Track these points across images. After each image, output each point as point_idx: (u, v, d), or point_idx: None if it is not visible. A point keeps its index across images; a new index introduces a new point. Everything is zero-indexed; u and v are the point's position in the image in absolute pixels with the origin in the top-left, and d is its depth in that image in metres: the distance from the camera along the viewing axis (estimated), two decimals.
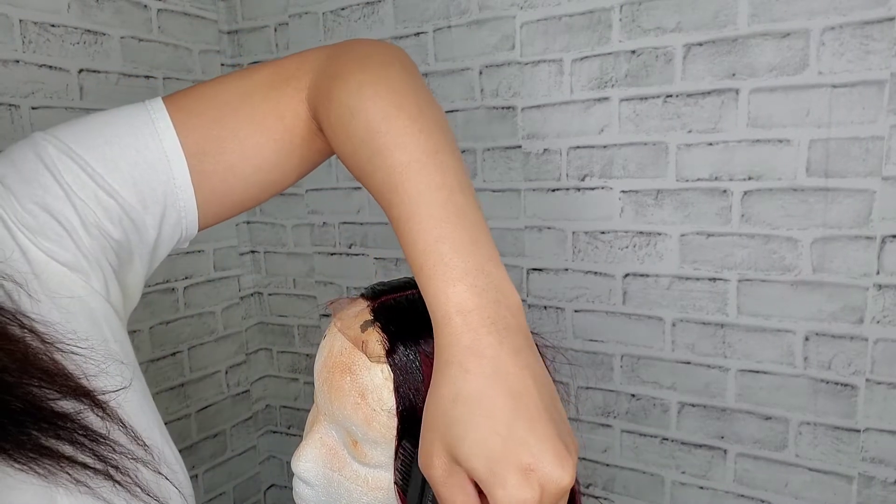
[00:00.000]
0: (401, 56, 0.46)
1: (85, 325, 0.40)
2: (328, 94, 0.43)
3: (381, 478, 0.46)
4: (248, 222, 1.57)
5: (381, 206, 0.40)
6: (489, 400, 0.32)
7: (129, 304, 0.46)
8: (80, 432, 0.34)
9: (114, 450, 0.36)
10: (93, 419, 0.36)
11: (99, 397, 0.36)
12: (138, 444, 0.38)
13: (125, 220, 0.42)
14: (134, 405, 0.40)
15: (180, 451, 1.47)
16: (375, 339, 0.45)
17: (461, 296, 0.34)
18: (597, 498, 1.22)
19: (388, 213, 0.39)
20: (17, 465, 0.32)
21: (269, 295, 1.58)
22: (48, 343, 0.36)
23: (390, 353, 0.44)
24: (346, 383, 0.45)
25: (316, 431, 0.48)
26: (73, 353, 0.37)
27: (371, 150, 0.40)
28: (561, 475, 0.31)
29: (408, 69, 0.44)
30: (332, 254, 1.46)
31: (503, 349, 0.33)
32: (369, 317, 0.47)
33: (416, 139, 0.39)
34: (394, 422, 0.44)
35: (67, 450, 0.34)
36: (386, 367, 0.44)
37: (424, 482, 0.38)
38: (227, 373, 1.53)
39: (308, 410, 1.59)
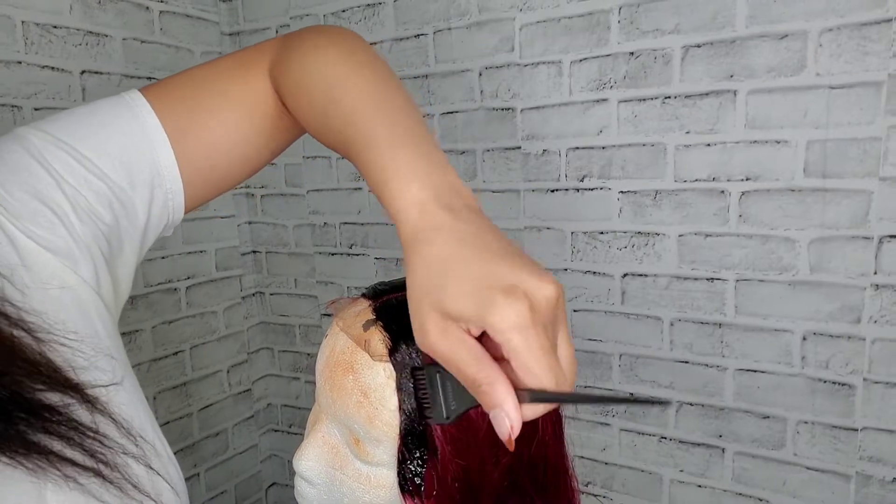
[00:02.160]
0: (353, 34, 0.49)
1: (76, 318, 0.40)
2: (286, 62, 0.46)
3: (384, 476, 0.47)
4: (250, 222, 1.58)
5: (341, 152, 0.43)
6: (458, 254, 0.33)
7: (119, 299, 0.47)
8: (69, 426, 0.35)
9: (103, 444, 0.36)
10: (81, 413, 0.36)
11: (88, 391, 0.37)
12: (129, 438, 0.38)
13: (115, 204, 0.43)
14: (124, 400, 0.40)
15: (182, 450, 1.49)
16: (378, 338, 0.45)
17: (416, 192, 0.36)
18: (595, 496, 1.22)
19: (348, 152, 0.41)
20: (4, 460, 0.32)
21: (271, 295, 1.59)
22: (35, 334, 0.36)
23: (392, 351, 0.44)
24: (349, 382, 0.45)
25: (318, 430, 0.49)
26: (62, 344, 0.37)
27: (326, 100, 0.42)
28: (543, 285, 0.32)
29: (359, 41, 0.47)
30: (332, 254, 1.46)
31: (460, 221, 0.35)
32: (371, 316, 0.47)
33: (366, 82, 0.42)
34: (396, 420, 0.44)
35: (56, 445, 0.34)
36: (388, 366, 0.45)
37: (438, 380, 0.38)
38: (228, 372, 1.54)
39: (309, 409, 1.60)
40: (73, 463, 0.34)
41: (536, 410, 0.33)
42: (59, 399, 0.35)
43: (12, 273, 0.37)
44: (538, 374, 0.31)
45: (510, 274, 0.32)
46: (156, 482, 0.39)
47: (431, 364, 0.37)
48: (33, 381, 0.34)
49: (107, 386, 0.39)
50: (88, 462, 0.35)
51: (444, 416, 0.38)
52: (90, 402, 0.37)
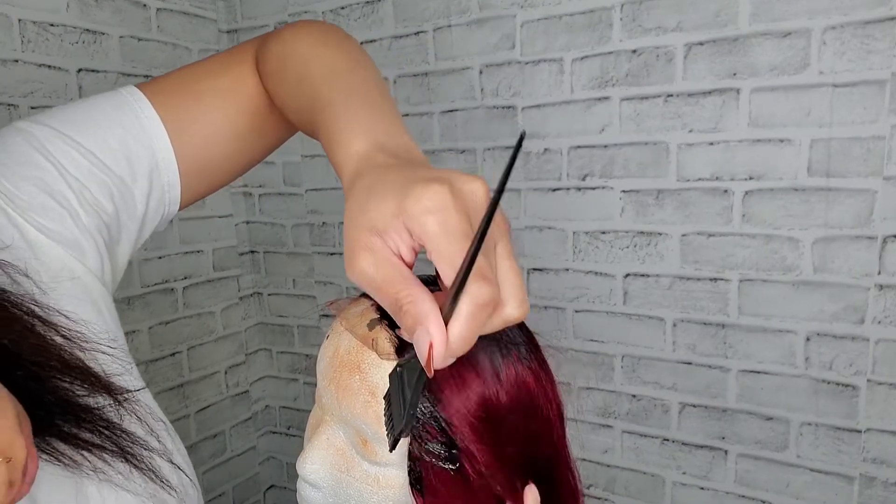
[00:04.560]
0: (332, 26, 0.51)
1: (90, 312, 0.41)
2: (266, 50, 0.49)
3: (393, 476, 0.46)
4: (248, 222, 1.57)
5: (309, 130, 0.44)
6: (384, 177, 0.31)
7: (114, 287, 0.48)
8: (101, 424, 0.37)
9: (133, 441, 0.38)
10: (112, 413, 0.38)
11: (121, 395, 0.39)
12: (153, 436, 0.40)
13: (116, 195, 0.45)
14: (149, 401, 0.42)
15: None
16: (384, 337, 0.45)
17: (362, 144, 0.36)
18: (598, 499, 1.22)
19: (313, 120, 0.42)
20: (44, 457, 0.34)
21: (269, 295, 1.58)
22: (71, 340, 0.37)
23: (399, 349, 0.44)
24: (356, 382, 0.45)
25: (322, 433, 0.48)
26: (102, 352, 0.39)
27: (299, 76, 0.44)
28: (469, 179, 0.29)
29: (336, 30, 0.49)
30: (331, 254, 1.45)
31: (399, 161, 0.34)
32: (375, 315, 0.47)
33: (336, 60, 0.44)
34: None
35: (89, 438, 0.36)
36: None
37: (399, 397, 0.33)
38: (226, 373, 1.53)
39: (308, 411, 1.59)
40: (104, 452, 0.36)
41: (463, 331, 0.27)
42: (95, 402, 0.37)
43: (27, 267, 0.38)
44: (450, 257, 0.27)
45: (434, 173, 0.30)
46: (179, 476, 0.41)
47: (393, 374, 0.34)
48: (76, 387, 0.36)
49: (137, 390, 0.41)
50: (118, 455, 0.37)
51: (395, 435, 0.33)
52: (121, 404, 0.39)
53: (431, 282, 0.49)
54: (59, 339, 0.36)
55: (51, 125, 0.43)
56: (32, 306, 0.36)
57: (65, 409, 0.35)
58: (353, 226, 0.31)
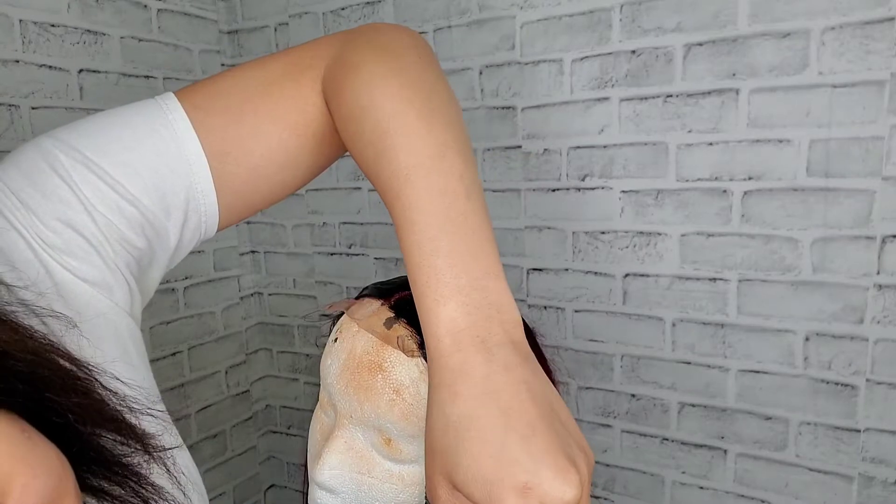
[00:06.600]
0: (417, 43, 0.44)
1: (114, 351, 0.39)
2: (341, 85, 0.42)
3: (417, 472, 0.46)
4: (249, 222, 1.57)
5: (381, 193, 0.40)
6: (479, 422, 0.31)
7: (144, 303, 0.46)
8: (131, 478, 0.34)
9: (160, 496, 0.35)
10: (143, 466, 0.35)
11: (159, 453, 0.36)
12: (179, 489, 0.38)
13: (147, 228, 0.41)
14: (185, 461, 0.40)
15: None
16: (406, 334, 0.45)
17: (451, 314, 0.33)
18: (597, 498, 1.22)
19: (392, 216, 0.38)
20: None
21: (269, 295, 1.58)
22: (124, 402, 0.34)
23: (422, 345, 0.44)
24: (378, 382, 0.45)
25: (339, 437, 0.47)
26: (148, 414, 0.36)
27: (377, 151, 0.38)
28: (562, 489, 0.29)
29: (423, 58, 0.43)
30: (332, 254, 1.46)
31: (493, 367, 0.32)
32: (390, 314, 0.47)
33: (423, 140, 0.37)
34: None
35: (116, 491, 0.33)
36: (420, 361, 0.44)
37: None
38: (227, 373, 1.53)
39: (308, 410, 1.59)
40: None
41: None
42: (130, 458, 0.34)
43: (51, 306, 0.36)
44: None
45: (528, 466, 0.29)
46: None
47: None
48: (119, 445, 0.34)
49: (173, 448, 0.38)
50: None
51: None
52: (154, 458, 0.36)
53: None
54: (111, 403, 0.34)
55: (78, 148, 0.39)
56: (95, 372, 0.33)
57: (99, 463, 0.33)
58: (438, 463, 0.32)
